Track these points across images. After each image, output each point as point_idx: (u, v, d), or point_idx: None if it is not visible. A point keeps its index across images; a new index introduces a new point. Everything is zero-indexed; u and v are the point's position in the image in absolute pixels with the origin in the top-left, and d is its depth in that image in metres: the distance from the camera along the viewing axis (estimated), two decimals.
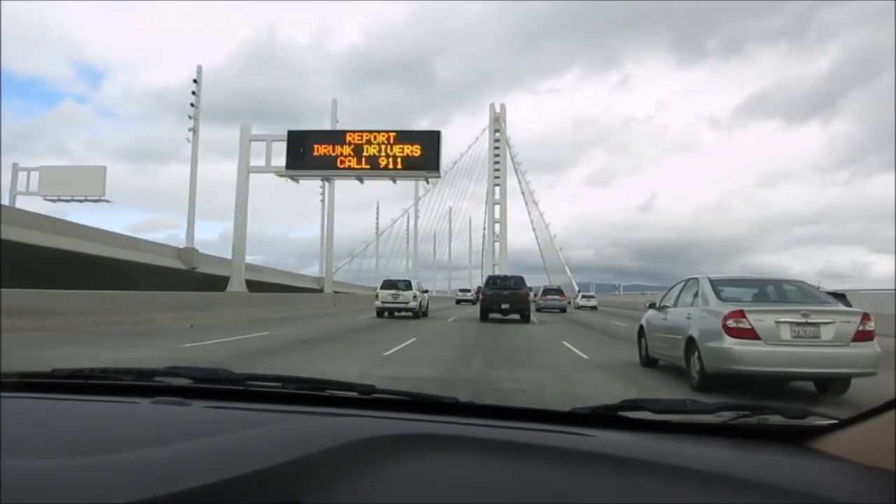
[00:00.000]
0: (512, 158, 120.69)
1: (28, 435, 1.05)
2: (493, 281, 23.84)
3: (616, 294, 78.40)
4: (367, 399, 1.32)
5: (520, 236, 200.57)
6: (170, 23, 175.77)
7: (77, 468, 0.83)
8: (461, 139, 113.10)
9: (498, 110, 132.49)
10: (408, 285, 24.34)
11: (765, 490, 0.88)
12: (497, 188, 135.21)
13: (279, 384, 1.42)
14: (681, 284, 8.60)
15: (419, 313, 23.97)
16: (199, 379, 1.45)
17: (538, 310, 32.32)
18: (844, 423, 1.07)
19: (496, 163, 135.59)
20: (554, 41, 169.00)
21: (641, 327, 9.52)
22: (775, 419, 1.17)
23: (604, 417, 1.23)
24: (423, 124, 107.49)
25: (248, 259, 32.21)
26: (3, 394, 1.30)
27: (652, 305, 9.46)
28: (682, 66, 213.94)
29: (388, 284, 24.49)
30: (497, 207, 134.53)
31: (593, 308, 42.67)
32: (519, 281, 23.35)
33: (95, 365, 1.73)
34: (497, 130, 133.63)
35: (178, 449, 0.91)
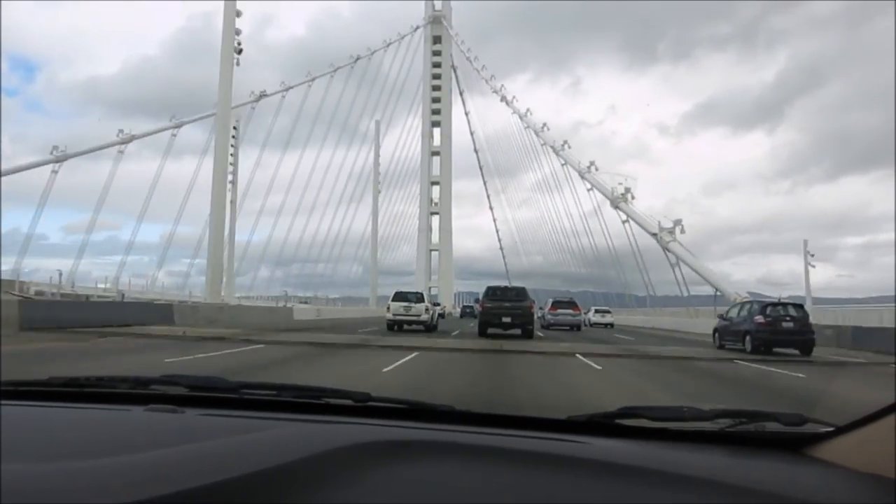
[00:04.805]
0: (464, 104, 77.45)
1: (23, 441, 1.07)
2: (492, 292, 21.99)
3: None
4: (363, 407, 1.34)
5: (466, 241, 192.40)
6: (103, 10, 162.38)
7: (67, 472, 0.84)
8: (409, 141, 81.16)
9: (439, 7, 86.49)
10: (420, 298, 23.82)
11: (762, 498, 0.89)
12: (438, 130, 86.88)
13: (274, 392, 1.43)
14: None
15: (430, 327, 23.43)
16: (194, 387, 1.46)
17: (546, 327, 29.42)
18: (841, 430, 1.08)
19: (435, 87, 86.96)
20: (504, 41, 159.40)
21: None
22: (772, 426, 1.19)
23: (600, 425, 1.24)
24: (370, 122, 74.00)
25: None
26: (0, 401, 1.32)
27: None
28: (632, 70, 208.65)
29: (400, 297, 23.67)
30: (437, 160, 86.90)
31: (608, 326, 38.44)
32: (521, 292, 22.25)
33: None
34: (437, 40, 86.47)
35: (167, 453, 0.92)
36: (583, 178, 45.09)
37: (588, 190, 45.69)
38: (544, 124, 54.16)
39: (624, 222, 42.83)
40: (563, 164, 49.67)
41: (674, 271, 39.27)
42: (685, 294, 39.67)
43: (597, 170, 44.62)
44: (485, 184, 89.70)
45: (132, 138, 47.61)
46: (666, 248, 38.54)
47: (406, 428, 1.16)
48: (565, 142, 49.32)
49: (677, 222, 39.10)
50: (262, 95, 54.37)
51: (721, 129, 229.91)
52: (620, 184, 42.30)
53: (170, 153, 48.92)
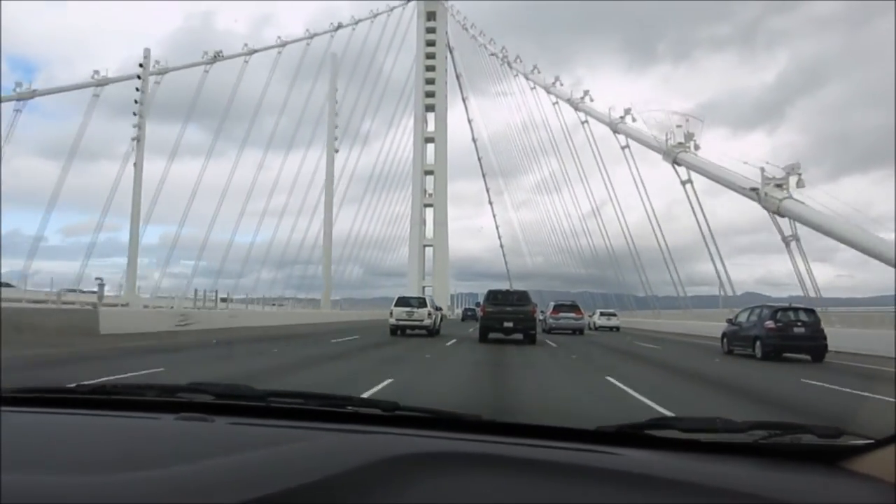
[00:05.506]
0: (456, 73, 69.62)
1: (52, 451, 1.07)
2: (494, 296, 21.30)
3: None
4: (390, 416, 1.34)
5: (466, 241, 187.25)
6: (103, 10, 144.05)
7: (103, 485, 0.84)
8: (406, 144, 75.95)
9: None
10: (422, 302, 23.74)
11: None
12: (432, 115, 78.56)
13: (301, 401, 1.44)
14: None
15: (433, 332, 23.30)
16: (221, 395, 1.47)
17: (547, 331, 28.37)
18: (880, 443, 1.06)
19: (429, 68, 78.58)
20: (504, 42, 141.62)
21: None
22: (808, 438, 1.17)
23: (630, 436, 1.22)
24: (366, 124, 70.86)
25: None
26: (28, 409, 1.35)
27: None
28: (632, 71, 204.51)
29: (402, 302, 23.53)
30: (432, 149, 78.72)
31: (614, 329, 36.86)
32: (523, 296, 21.55)
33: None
34: (431, 16, 78.47)
35: (203, 467, 0.93)
36: (616, 132, 36.53)
37: (623, 148, 36.19)
38: (557, 78, 46.48)
39: (684, 183, 30.67)
40: (583, 122, 41.72)
41: (788, 249, 25.02)
42: (812, 294, 25.60)
43: (634, 120, 34.54)
44: (484, 176, 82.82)
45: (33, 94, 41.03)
46: (777, 212, 24.42)
47: (436, 438, 1.18)
48: (586, 92, 41.07)
49: (792, 169, 24.44)
50: (218, 57, 45.98)
51: (721, 130, 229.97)
52: (679, 126, 29.33)
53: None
